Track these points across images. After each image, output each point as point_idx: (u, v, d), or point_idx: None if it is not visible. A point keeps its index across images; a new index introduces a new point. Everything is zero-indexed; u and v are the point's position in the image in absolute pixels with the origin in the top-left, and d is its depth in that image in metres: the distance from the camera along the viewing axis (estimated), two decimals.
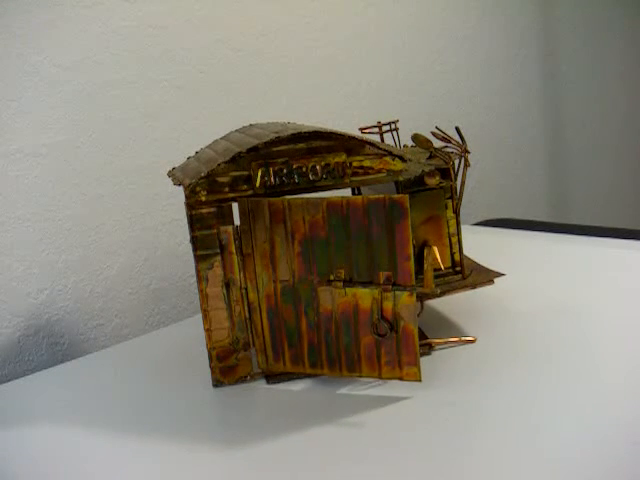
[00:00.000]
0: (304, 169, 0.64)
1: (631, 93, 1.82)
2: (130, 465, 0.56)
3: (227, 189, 0.63)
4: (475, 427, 0.56)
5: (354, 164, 0.65)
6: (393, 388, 0.62)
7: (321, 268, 0.62)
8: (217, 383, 0.66)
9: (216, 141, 0.71)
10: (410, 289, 0.60)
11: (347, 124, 0.87)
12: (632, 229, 1.04)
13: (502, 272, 0.73)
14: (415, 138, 0.71)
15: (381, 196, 0.60)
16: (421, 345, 0.66)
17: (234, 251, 0.64)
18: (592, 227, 1.08)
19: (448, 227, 0.71)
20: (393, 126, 0.79)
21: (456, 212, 0.71)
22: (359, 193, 0.80)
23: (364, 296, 0.62)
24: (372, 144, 0.65)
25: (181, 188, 0.64)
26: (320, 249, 0.62)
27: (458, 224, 0.71)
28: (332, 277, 0.62)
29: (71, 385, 0.72)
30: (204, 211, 0.63)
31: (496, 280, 0.72)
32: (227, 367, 0.66)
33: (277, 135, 0.62)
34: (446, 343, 0.70)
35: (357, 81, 1.17)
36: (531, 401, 0.58)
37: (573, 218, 1.65)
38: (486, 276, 0.72)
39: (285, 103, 1.07)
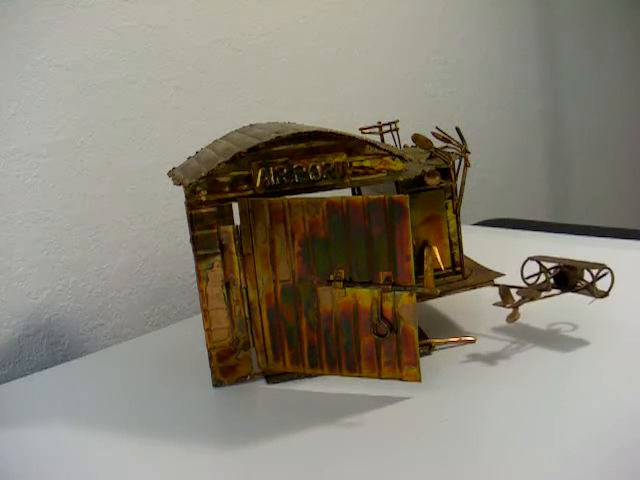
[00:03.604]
0: (304, 169, 0.64)
1: (631, 93, 1.82)
2: (130, 465, 0.56)
3: (227, 189, 0.63)
4: (475, 427, 0.56)
5: (354, 164, 0.65)
6: (393, 388, 0.62)
7: (321, 268, 0.62)
8: (217, 383, 0.66)
9: (216, 141, 0.71)
10: (410, 289, 0.60)
11: (347, 124, 0.87)
12: (632, 229, 1.04)
13: (502, 272, 0.73)
14: (415, 138, 0.71)
15: (381, 196, 0.60)
16: (421, 345, 0.66)
17: (234, 251, 0.64)
18: (592, 227, 1.08)
19: (448, 227, 0.71)
20: (393, 126, 0.79)
21: (456, 212, 0.71)
22: (359, 193, 0.80)
23: (364, 296, 0.62)
24: (372, 144, 0.65)
25: (181, 188, 0.64)
26: (320, 249, 0.62)
27: (458, 224, 0.71)
28: (332, 277, 0.62)
29: (71, 385, 0.72)
30: (204, 211, 0.63)
31: (496, 280, 0.72)
32: (227, 367, 0.66)
33: (277, 135, 0.62)
34: (446, 343, 0.70)
35: (357, 81, 1.17)
36: (531, 401, 0.58)
37: (573, 218, 1.65)
38: (486, 276, 0.72)
39: (285, 103, 1.07)
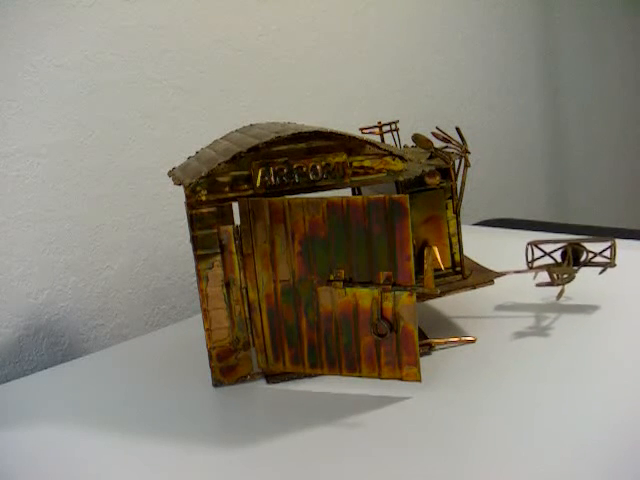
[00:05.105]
0: (304, 169, 0.64)
1: (631, 93, 1.82)
2: (130, 465, 0.56)
3: (227, 189, 0.63)
4: (475, 427, 0.56)
5: (354, 164, 0.65)
6: (393, 388, 0.62)
7: (321, 268, 0.62)
8: (217, 383, 0.66)
9: (216, 141, 0.71)
10: (410, 289, 0.60)
11: (347, 124, 0.87)
12: (632, 229, 1.04)
13: (502, 272, 0.73)
14: (415, 138, 0.71)
15: (381, 196, 0.60)
16: (421, 345, 0.66)
17: (234, 251, 0.64)
18: (592, 227, 1.08)
19: (448, 227, 0.71)
20: (393, 126, 0.79)
21: (456, 212, 0.71)
22: (359, 193, 0.80)
23: (364, 296, 0.62)
24: (372, 144, 0.65)
25: (181, 188, 0.64)
26: (320, 249, 0.62)
27: (458, 224, 0.71)
28: (332, 277, 0.62)
29: (71, 385, 0.72)
30: (204, 211, 0.63)
31: (496, 280, 0.72)
32: (227, 367, 0.66)
33: (277, 135, 0.62)
34: (446, 343, 0.70)
35: (357, 81, 1.17)
36: (531, 401, 0.58)
37: (573, 218, 1.65)
38: (486, 276, 0.72)
39: (285, 103, 1.07)
